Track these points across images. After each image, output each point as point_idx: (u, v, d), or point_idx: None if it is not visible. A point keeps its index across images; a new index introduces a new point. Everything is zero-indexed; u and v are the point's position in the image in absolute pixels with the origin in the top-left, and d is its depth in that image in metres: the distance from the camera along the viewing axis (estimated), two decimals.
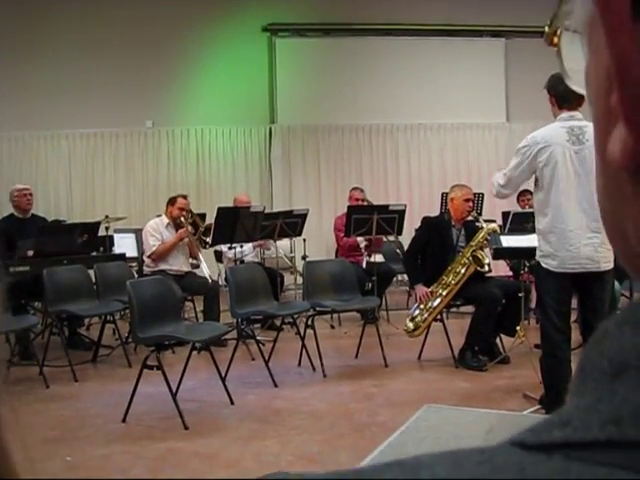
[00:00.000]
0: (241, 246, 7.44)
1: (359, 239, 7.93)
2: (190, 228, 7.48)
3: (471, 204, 6.41)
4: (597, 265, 4.11)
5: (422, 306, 6.15)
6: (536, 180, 4.29)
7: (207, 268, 7.39)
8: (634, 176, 0.35)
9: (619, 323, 0.34)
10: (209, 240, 7.40)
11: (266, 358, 5.86)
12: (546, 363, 4.30)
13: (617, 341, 0.33)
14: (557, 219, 4.15)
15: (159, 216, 7.58)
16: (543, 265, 4.22)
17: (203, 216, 8.28)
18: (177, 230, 7.40)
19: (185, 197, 7.62)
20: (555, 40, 0.42)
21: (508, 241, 5.71)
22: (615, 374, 0.32)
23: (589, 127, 4.10)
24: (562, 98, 4.13)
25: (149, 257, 7.25)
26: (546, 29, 0.43)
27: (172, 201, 7.51)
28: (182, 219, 7.38)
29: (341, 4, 11.14)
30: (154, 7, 10.76)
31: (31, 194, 7.62)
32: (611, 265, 4.13)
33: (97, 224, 7.93)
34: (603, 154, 0.36)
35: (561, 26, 0.42)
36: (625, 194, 0.35)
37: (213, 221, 7.18)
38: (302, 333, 6.13)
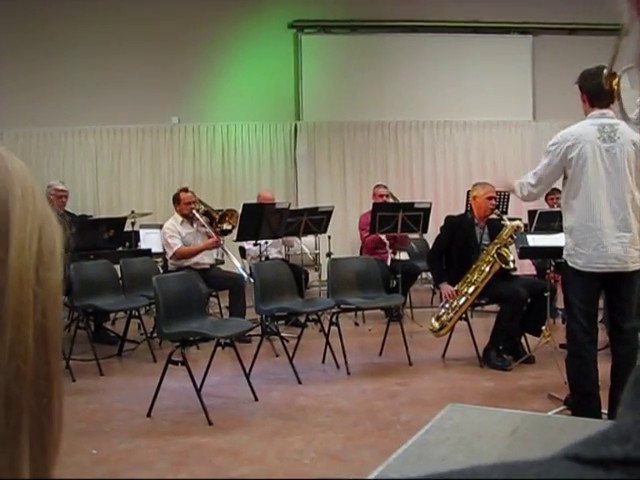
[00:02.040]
0: (266, 242, 7.44)
1: (383, 237, 7.92)
2: (205, 218, 7.49)
3: (494, 202, 6.38)
4: (625, 265, 4.05)
5: (448, 305, 6.13)
6: (564, 177, 4.24)
7: (237, 261, 7.35)
8: None
9: None
10: (226, 227, 7.41)
11: (290, 355, 5.88)
12: (571, 363, 4.26)
13: None
14: (585, 217, 4.09)
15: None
16: (570, 264, 4.17)
17: None
18: (192, 224, 7.42)
19: (186, 190, 7.57)
20: (614, 83, 0.41)
21: (534, 240, 5.66)
22: None
23: (621, 125, 4.05)
24: (594, 95, 4.07)
25: (171, 257, 7.27)
26: (605, 72, 0.42)
27: (177, 199, 7.48)
28: (194, 212, 7.39)
29: (366, 1, 11.11)
30: (181, 4, 10.80)
31: (66, 197, 7.71)
32: (638, 266, 4.08)
33: (123, 219, 7.99)
34: None
35: (620, 70, 0.40)
36: None
37: (239, 217, 7.18)
38: (326, 330, 6.13)
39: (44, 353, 0.50)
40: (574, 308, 4.17)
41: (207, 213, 7.67)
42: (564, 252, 4.24)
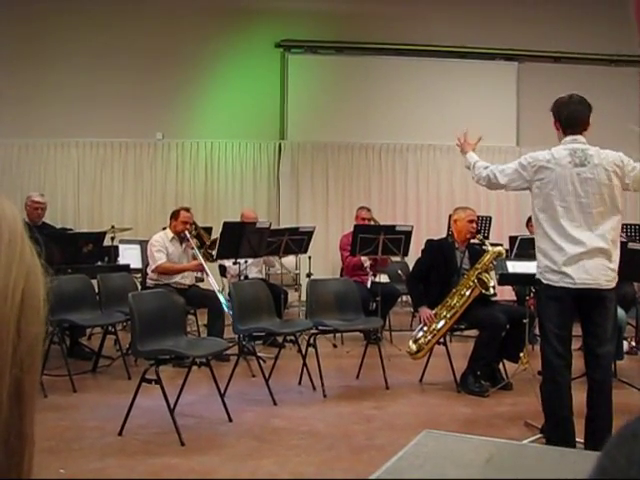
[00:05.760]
0: (245, 261, 7.39)
1: (363, 258, 7.89)
2: (195, 241, 7.44)
3: (475, 225, 6.39)
4: (597, 282, 4.05)
5: (425, 328, 6.10)
6: (536, 199, 4.27)
7: (216, 283, 7.30)
8: None
9: None
10: (214, 253, 7.36)
11: (266, 375, 5.82)
12: (546, 389, 4.25)
13: None
14: (556, 238, 4.11)
15: (164, 229, 7.53)
16: (544, 281, 4.17)
17: (209, 230, 8.26)
18: (181, 243, 7.37)
19: (188, 210, 7.55)
20: None
21: (514, 267, 5.65)
22: None
23: (592, 150, 4.14)
24: (566, 123, 4.19)
25: (153, 271, 7.20)
26: None
27: (175, 215, 7.44)
28: (187, 233, 7.33)
29: (354, 23, 11.15)
30: (168, 20, 10.80)
31: (43, 208, 7.66)
32: (612, 285, 4.09)
33: (103, 234, 7.92)
34: None
35: None
36: None
37: (219, 235, 7.14)
38: (304, 351, 6.08)
39: (17, 408, 0.47)
40: (548, 333, 4.17)
41: (198, 236, 7.62)
42: (537, 271, 4.25)
